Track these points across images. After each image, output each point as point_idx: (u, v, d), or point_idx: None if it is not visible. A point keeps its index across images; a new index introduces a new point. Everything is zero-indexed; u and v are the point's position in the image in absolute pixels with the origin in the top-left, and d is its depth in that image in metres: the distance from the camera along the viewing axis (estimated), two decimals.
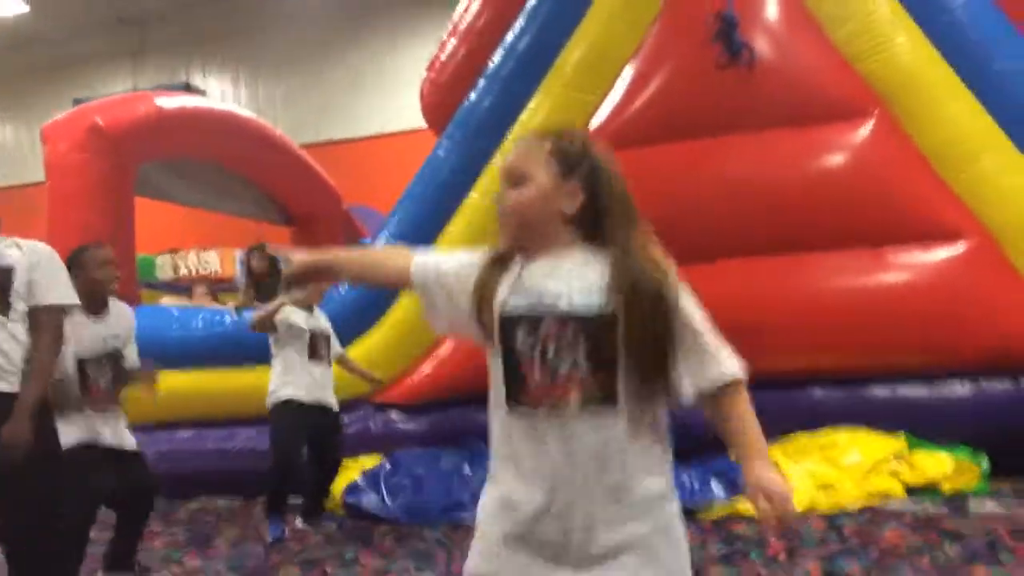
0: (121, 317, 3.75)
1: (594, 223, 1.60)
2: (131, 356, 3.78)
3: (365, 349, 5.78)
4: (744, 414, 1.59)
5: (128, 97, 8.08)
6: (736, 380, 1.58)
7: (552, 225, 1.58)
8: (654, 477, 1.55)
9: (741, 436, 1.58)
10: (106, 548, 3.83)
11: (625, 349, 1.51)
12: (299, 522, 4.89)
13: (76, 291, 3.08)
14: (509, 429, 1.58)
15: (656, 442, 1.57)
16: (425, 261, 1.71)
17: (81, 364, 3.52)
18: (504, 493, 1.58)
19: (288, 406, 4.67)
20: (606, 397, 1.51)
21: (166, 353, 5.97)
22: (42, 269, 2.94)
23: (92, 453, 3.49)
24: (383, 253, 1.90)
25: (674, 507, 1.59)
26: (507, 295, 1.58)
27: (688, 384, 1.56)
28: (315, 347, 4.81)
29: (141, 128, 6.88)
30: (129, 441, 3.68)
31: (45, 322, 2.92)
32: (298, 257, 1.74)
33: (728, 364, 1.58)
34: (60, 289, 2.99)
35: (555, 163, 1.58)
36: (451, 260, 1.70)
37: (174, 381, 6.02)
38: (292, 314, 4.74)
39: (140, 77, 15.08)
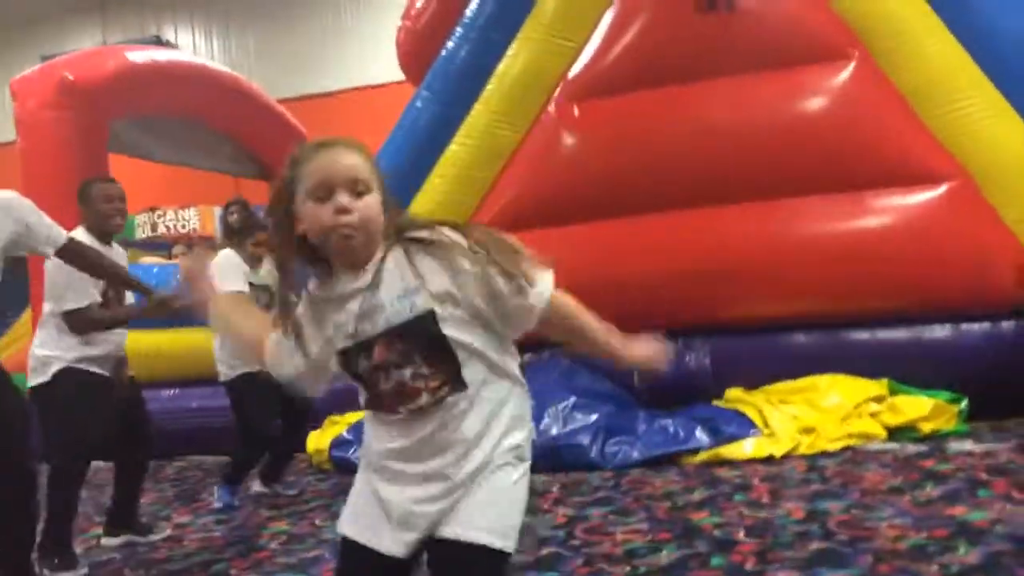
0: (119, 258, 3.80)
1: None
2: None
3: None
4: (577, 313, 1.63)
5: (98, 51, 7.92)
6: (548, 294, 1.57)
7: (379, 235, 1.56)
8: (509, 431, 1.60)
9: (585, 331, 1.65)
10: (108, 507, 3.95)
11: (467, 329, 1.55)
12: (257, 485, 4.76)
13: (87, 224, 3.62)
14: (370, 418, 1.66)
15: (507, 395, 1.61)
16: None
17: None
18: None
19: (251, 377, 4.39)
20: (456, 384, 1.55)
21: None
22: (32, 217, 3.15)
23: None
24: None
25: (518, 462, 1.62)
26: (333, 330, 1.58)
27: (523, 319, 1.58)
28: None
29: (112, 83, 6.74)
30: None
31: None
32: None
33: (539, 282, 1.56)
34: (55, 230, 3.24)
35: (376, 171, 1.58)
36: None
37: (156, 340, 6.02)
38: (226, 282, 4.36)
39: (109, 32, 14.74)
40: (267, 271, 4.66)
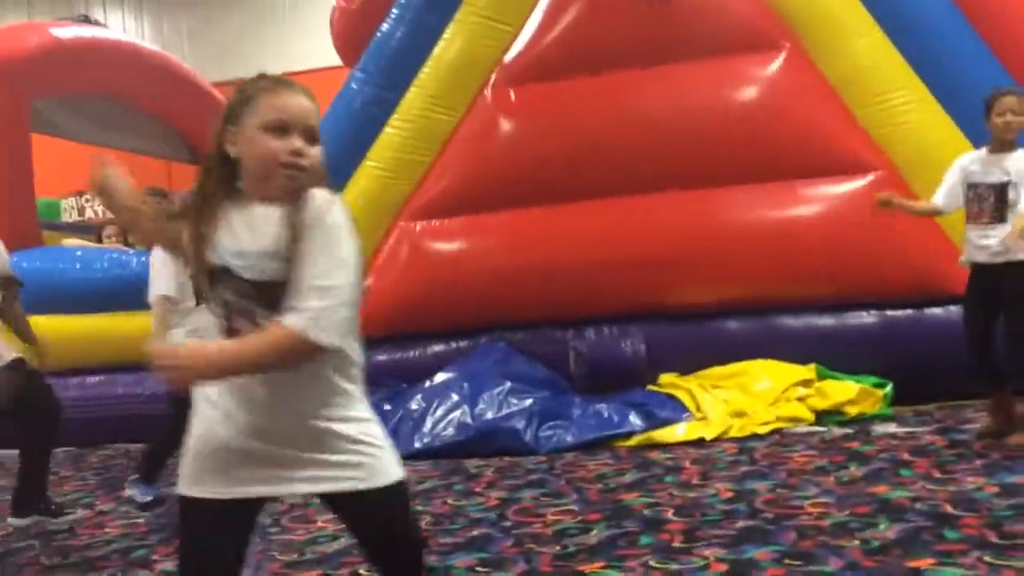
0: None
1: None
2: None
3: None
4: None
5: (20, 26, 7.63)
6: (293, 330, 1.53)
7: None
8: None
9: None
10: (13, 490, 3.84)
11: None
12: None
13: None
14: None
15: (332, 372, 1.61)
16: None
17: None
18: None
19: None
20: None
21: (67, 295, 5.77)
22: None
23: None
24: None
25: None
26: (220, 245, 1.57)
27: None
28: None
29: (35, 59, 6.50)
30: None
31: None
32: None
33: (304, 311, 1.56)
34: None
35: None
36: None
37: (79, 325, 5.83)
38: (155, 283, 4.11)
39: (35, 10, 14.25)
40: None
